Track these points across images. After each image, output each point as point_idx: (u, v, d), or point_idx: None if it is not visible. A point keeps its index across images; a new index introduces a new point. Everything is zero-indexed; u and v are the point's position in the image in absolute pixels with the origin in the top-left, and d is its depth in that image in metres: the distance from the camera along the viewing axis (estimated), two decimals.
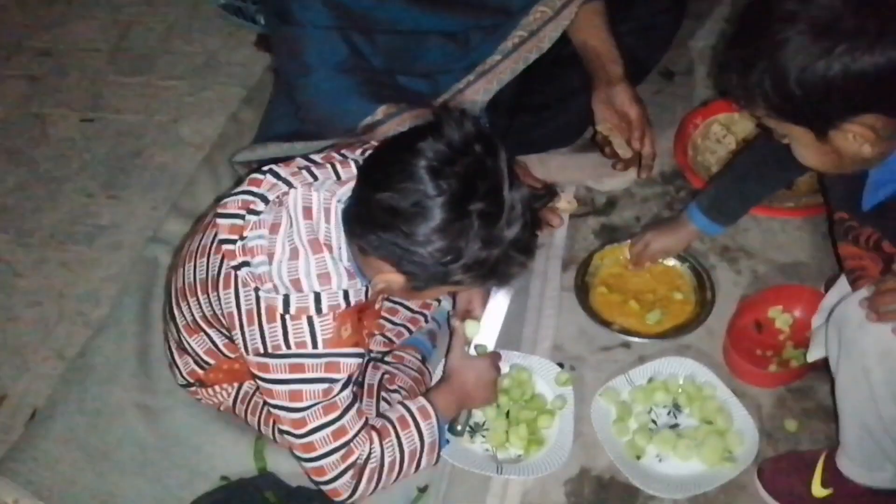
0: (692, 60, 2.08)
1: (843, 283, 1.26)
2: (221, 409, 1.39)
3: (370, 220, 1.04)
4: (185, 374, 1.34)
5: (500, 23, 1.66)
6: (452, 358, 1.32)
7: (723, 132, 1.84)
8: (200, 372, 1.32)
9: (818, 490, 1.26)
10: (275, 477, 1.33)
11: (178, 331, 1.30)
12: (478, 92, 1.64)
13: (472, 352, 1.36)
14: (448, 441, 1.32)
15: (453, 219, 0.98)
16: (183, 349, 1.32)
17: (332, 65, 1.49)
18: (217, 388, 1.35)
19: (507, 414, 1.40)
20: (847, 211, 1.24)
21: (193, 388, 1.37)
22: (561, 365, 1.47)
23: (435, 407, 1.24)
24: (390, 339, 1.43)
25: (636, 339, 1.52)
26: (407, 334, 1.45)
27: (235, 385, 1.34)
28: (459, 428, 1.34)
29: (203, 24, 2.35)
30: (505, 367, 1.43)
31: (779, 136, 1.11)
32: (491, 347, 1.39)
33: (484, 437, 1.38)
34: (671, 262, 1.62)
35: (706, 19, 2.19)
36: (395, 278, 1.06)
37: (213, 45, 2.28)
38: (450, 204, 0.98)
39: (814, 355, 1.24)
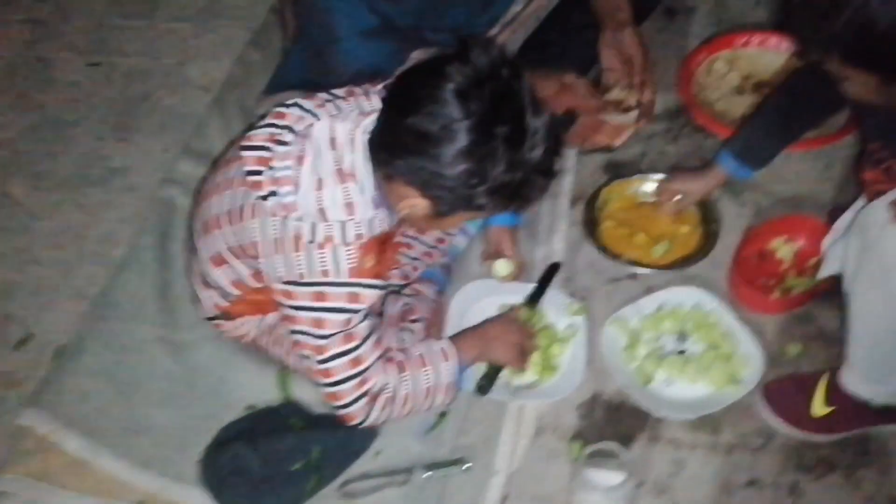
0: None
1: (857, 207, 1.30)
2: (244, 341, 1.44)
3: (398, 145, 1.06)
4: (209, 307, 1.39)
5: None
6: (495, 322, 1.39)
7: (726, 68, 1.87)
8: (225, 304, 1.36)
9: (820, 408, 1.32)
10: (298, 405, 1.39)
11: (202, 264, 1.34)
12: (505, 42, 1.65)
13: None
14: (467, 387, 1.37)
15: (479, 141, 1.01)
16: (207, 283, 1.36)
17: (360, 31, 1.50)
18: (241, 320, 1.39)
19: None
20: (881, 139, 1.28)
21: (217, 322, 1.42)
22: (572, 296, 1.52)
23: (457, 350, 1.30)
24: (407, 274, 1.48)
25: (644, 270, 1.57)
26: (423, 268, 1.50)
27: (259, 317, 1.39)
28: (484, 384, 1.38)
29: None
30: (518, 298, 1.48)
31: (835, 78, 1.13)
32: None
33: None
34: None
35: None
36: (420, 203, 1.09)
37: None
38: (476, 127, 1.00)
39: (825, 272, 1.28)
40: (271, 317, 1.38)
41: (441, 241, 1.52)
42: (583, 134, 1.71)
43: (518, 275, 1.51)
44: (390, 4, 1.56)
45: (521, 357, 1.38)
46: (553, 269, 1.55)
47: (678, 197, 1.60)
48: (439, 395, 1.28)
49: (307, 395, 1.39)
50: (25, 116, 1.97)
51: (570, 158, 1.74)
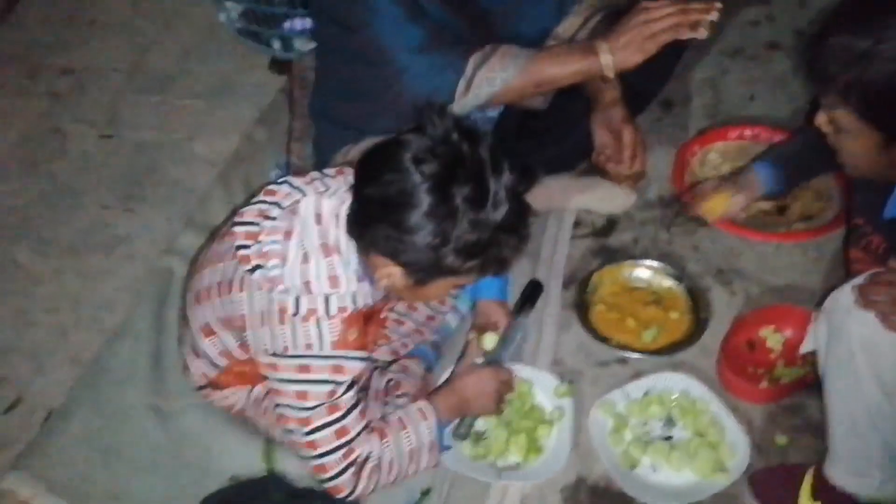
0: (691, 91, 2.16)
1: None
2: (233, 412, 1.44)
3: (365, 216, 1.11)
4: (198, 376, 1.40)
5: None
6: (460, 366, 1.38)
7: (719, 160, 1.91)
8: (213, 374, 1.37)
9: (807, 501, 1.31)
10: (282, 478, 1.38)
11: (192, 334, 1.36)
12: (567, 30, 1.73)
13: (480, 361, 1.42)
14: (450, 446, 1.38)
15: (439, 203, 1.05)
16: (197, 352, 1.37)
17: (413, 48, 1.51)
18: (229, 390, 1.40)
19: (508, 424, 1.45)
20: (867, 217, 1.30)
21: (206, 391, 1.43)
22: (560, 378, 1.52)
23: (435, 409, 1.30)
24: (396, 350, 1.49)
25: (633, 355, 1.57)
26: (412, 345, 1.51)
27: (247, 388, 1.40)
28: (463, 431, 1.39)
29: (218, 46, 2.43)
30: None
31: (834, 131, 1.17)
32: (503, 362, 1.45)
33: (485, 445, 1.43)
34: (667, 283, 1.69)
35: (705, 52, 2.27)
36: (395, 272, 1.12)
37: (227, 67, 2.36)
38: (434, 189, 1.05)
39: (805, 347, 1.29)
40: (259, 388, 1.39)
41: (431, 318, 1.54)
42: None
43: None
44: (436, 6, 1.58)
45: (499, 405, 1.39)
46: (534, 290, 1.56)
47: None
48: (423, 456, 1.28)
49: (292, 468, 1.39)
50: (37, 184, 2.03)
51: (563, 243, 1.77)
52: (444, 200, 1.05)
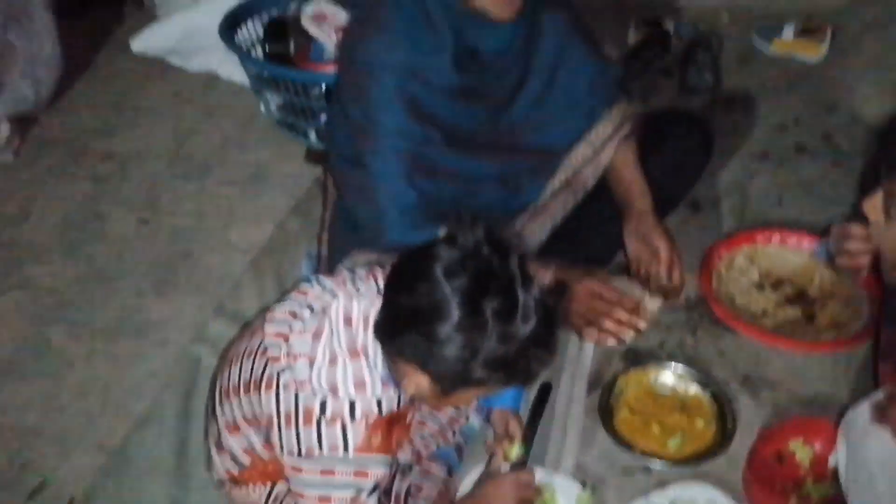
0: (718, 193, 2.18)
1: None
2: None
3: (394, 324, 1.12)
4: (221, 471, 1.40)
5: (546, 163, 1.77)
6: (484, 475, 1.38)
7: (746, 264, 1.92)
8: (235, 471, 1.38)
9: None
10: None
11: (218, 429, 1.37)
12: (534, 231, 1.75)
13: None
14: None
15: (469, 316, 1.06)
16: (221, 447, 1.38)
17: (402, 207, 1.58)
18: (250, 487, 1.40)
19: None
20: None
21: (227, 487, 1.43)
22: (583, 484, 1.51)
23: None
24: (418, 451, 1.49)
25: (657, 464, 1.55)
26: (434, 447, 1.50)
27: (268, 485, 1.39)
28: None
29: (257, 135, 2.51)
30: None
31: (886, 218, 1.21)
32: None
33: None
34: (693, 389, 1.67)
35: (733, 155, 2.31)
36: (422, 380, 1.13)
37: (265, 156, 2.43)
38: (464, 302, 1.06)
39: (832, 462, 1.27)
40: (280, 486, 1.38)
41: (455, 420, 1.53)
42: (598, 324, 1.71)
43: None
44: (430, 182, 1.64)
45: None
46: (545, 392, 1.55)
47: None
48: None
49: None
50: (75, 267, 2.08)
51: (588, 346, 1.77)
52: (475, 313, 1.07)
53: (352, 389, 1.15)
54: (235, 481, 1.40)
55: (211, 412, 1.42)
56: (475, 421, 1.58)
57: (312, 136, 2.39)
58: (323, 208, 2.03)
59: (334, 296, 1.20)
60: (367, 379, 1.15)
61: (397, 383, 1.18)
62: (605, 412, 1.64)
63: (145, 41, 2.77)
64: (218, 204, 2.26)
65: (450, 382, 1.13)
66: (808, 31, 2.73)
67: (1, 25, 2.48)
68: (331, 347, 1.16)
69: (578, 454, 1.57)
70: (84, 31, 2.93)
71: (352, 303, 1.18)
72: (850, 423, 1.16)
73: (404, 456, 1.46)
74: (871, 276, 1.73)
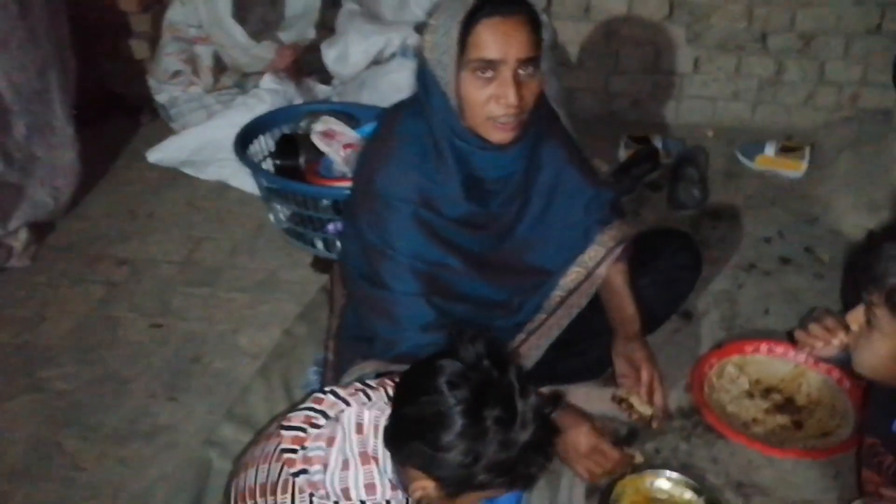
0: (709, 303, 2.29)
1: None
2: None
3: (401, 432, 1.21)
4: None
5: (541, 283, 1.87)
6: None
7: (736, 373, 2.00)
8: None
9: None
10: None
11: None
12: (531, 349, 1.83)
13: None
14: None
15: (471, 425, 1.15)
16: None
17: (421, 325, 1.65)
18: None
19: None
20: (878, 435, 1.38)
21: None
22: None
23: None
24: None
25: None
26: None
27: None
28: None
29: (266, 243, 2.62)
30: None
31: (867, 328, 1.35)
32: None
33: None
34: (688, 495, 1.73)
35: (722, 266, 2.43)
36: (428, 484, 1.20)
37: (273, 263, 2.53)
38: (466, 412, 1.15)
39: None
40: None
41: None
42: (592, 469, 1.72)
43: None
44: (444, 303, 1.72)
45: None
46: None
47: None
48: None
49: None
50: (88, 371, 2.14)
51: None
52: (476, 422, 1.15)
53: (363, 492, 1.21)
54: None
55: None
56: None
57: (319, 244, 2.50)
58: (329, 314, 2.12)
59: (347, 404, 1.28)
60: (378, 482, 1.22)
61: (405, 487, 1.25)
62: None
63: (161, 153, 2.91)
64: (227, 309, 2.35)
65: (454, 486, 1.20)
66: (788, 148, 2.89)
67: (25, 137, 2.62)
68: (343, 453, 1.23)
69: None
70: (101, 140, 3.07)
71: (363, 411, 1.26)
72: None
73: None
74: (855, 384, 1.82)
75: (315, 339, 2.15)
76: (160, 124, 3.22)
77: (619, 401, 1.82)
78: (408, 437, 1.20)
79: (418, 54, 1.68)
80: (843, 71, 3.03)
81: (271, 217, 2.62)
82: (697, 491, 1.73)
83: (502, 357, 1.21)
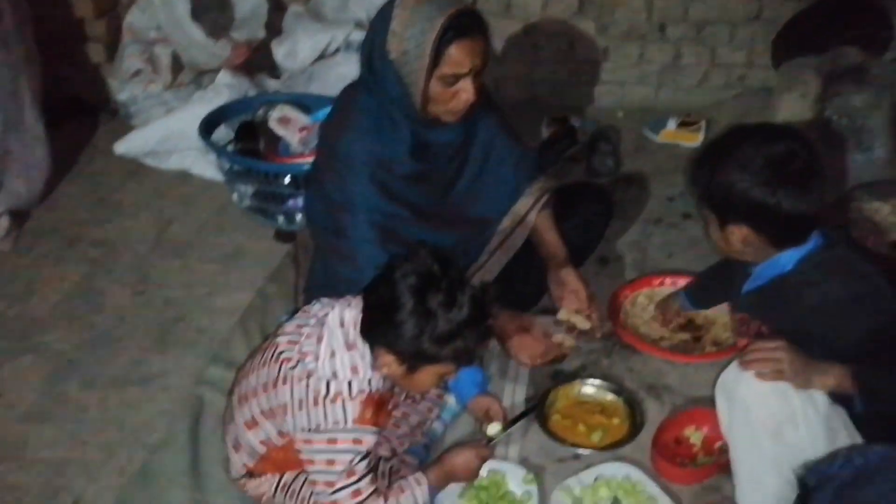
0: (622, 251, 2.67)
1: None
2: (264, 500, 1.77)
3: (369, 319, 1.55)
4: (238, 466, 1.74)
5: (482, 231, 2.22)
6: (452, 449, 1.78)
7: (646, 302, 2.38)
8: (251, 463, 1.72)
9: None
10: None
11: (236, 430, 1.71)
12: (522, 209, 2.21)
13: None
14: None
15: (418, 304, 1.48)
16: (238, 446, 1.72)
17: (377, 267, 1.83)
18: (263, 478, 1.74)
19: None
20: (737, 305, 1.90)
21: (242, 481, 1.76)
22: (527, 470, 1.89)
23: (427, 477, 1.67)
24: (394, 448, 1.85)
25: (584, 451, 1.95)
26: (407, 445, 1.87)
27: (277, 475, 1.74)
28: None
29: (230, 221, 2.90)
30: (484, 471, 1.84)
31: (704, 219, 1.79)
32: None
33: None
34: (610, 396, 2.09)
35: (632, 221, 2.82)
36: (390, 359, 1.53)
37: (239, 238, 2.81)
38: (415, 295, 1.48)
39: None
40: (287, 475, 1.73)
41: (422, 423, 1.91)
42: (532, 355, 2.14)
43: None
44: (396, 247, 1.98)
45: (475, 475, 1.77)
46: (533, 407, 2.00)
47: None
48: None
49: None
50: (80, 333, 2.39)
51: (525, 371, 2.18)
52: (423, 303, 1.49)
53: (349, 373, 1.54)
54: (251, 474, 1.74)
55: (229, 419, 1.76)
56: (438, 427, 1.96)
57: (281, 219, 2.79)
58: (296, 275, 2.42)
59: (332, 308, 1.60)
60: (360, 365, 1.54)
61: (378, 368, 1.57)
62: (541, 417, 2.03)
63: (127, 144, 3.16)
64: (202, 277, 2.62)
65: (410, 359, 1.53)
66: (687, 123, 3.31)
67: (1, 133, 2.85)
68: (330, 345, 1.56)
69: (521, 450, 1.96)
70: (65, 139, 3.28)
71: (344, 310, 1.59)
72: (723, 382, 1.62)
73: (384, 451, 1.82)
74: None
75: (285, 297, 2.44)
76: (119, 123, 3.44)
77: (560, 323, 2.17)
78: (373, 322, 1.53)
79: (369, 50, 1.99)
80: (730, 55, 3.47)
81: (234, 197, 2.89)
82: (617, 393, 2.10)
83: (443, 257, 1.54)
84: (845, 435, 1.56)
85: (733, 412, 1.59)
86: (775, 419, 1.53)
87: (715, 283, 2.08)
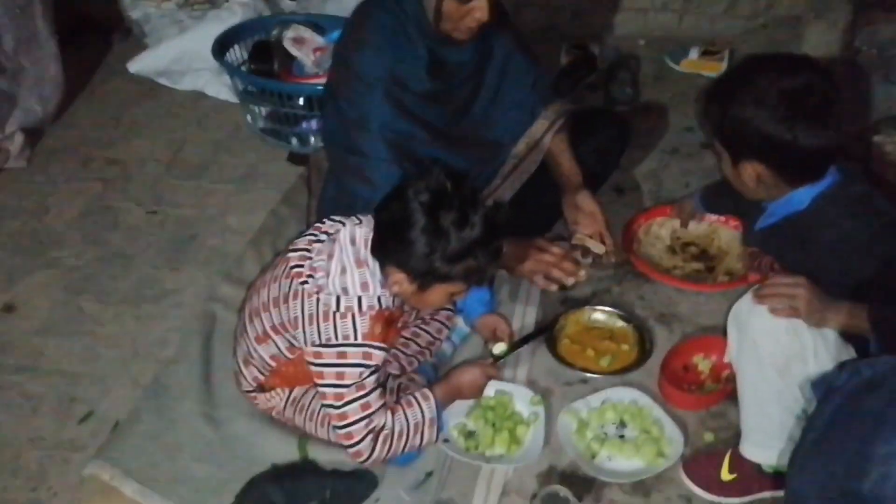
0: (637, 180, 2.64)
1: None
2: (273, 413, 1.80)
3: (380, 236, 1.54)
4: (249, 380, 1.76)
5: (496, 154, 2.20)
6: (459, 367, 1.80)
7: (660, 231, 2.36)
8: (262, 378, 1.74)
9: (726, 475, 1.68)
10: (314, 463, 1.73)
11: (247, 344, 1.73)
12: (537, 132, 2.20)
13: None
14: (448, 439, 1.75)
15: (430, 222, 1.47)
16: (249, 360, 1.74)
17: (393, 182, 1.87)
18: (272, 392, 1.77)
19: (494, 424, 1.81)
20: (753, 241, 1.86)
21: (253, 394, 1.79)
22: (535, 392, 1.90)
23: (434, 393, 1.69)
24: (403, 367, 1.86)
25: (592, 376, 1.96)
26: (416, 364, 1.89)
27: (287, 390, 1.76)
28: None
29: (244, 142, 2.89)
30: (492, 391, 1.86)
31: (717, 154, 1.75)
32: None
33: (475, 439, 1.79)
34: (620, 323, 2.09)
35: (650, 151, 2.78)
36: (401, 277, 1.53)
37: (252, 158, 2.80)
38: (427, 212, 1.47)
39: (727, 357, 1.73)
40: (297, 390, 1.75)
41: (432, 343, 1.92)
42: (546, 273, 2.13)
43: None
44: (412, 167, 1.99)
45: (481, 392, 1.79)
46: (541, 330, 2.02)
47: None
48: (425, 429, 1.65)
49: (321, 456, 1.74)
50: (94, 250, 2.41)
51: (536, 295, 2.18)
52: (435, 221, 1.47)
53: (359, 289, 1.54)
54: (262, 388, 1.76)
55: (240, 333, 1.78)
56: (447, 348, 1.97)
57: (294, 141, 2.78)
58: (309, 197, 2.41)
59: (343, 225, 1.60)
60: (370, 282, 1.54)
61: (389, 286, 1.57)
62: (550, 342, 2.04)
63: (141, 63, 3.13)
64: (215, 197, 2.62)
65: (421, 277, 1.52)
66: (710, 52, 3.24)
67: (13, 49, 2.83)
68: (341, 262, 1.55)
69: (530, 373, 1.97)
70: (78, 58, 3.26)
71: (355, 228, 1.58)
72: (736, 312, 1.61)
73: (393, 370, 1.84)
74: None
75: (297, 218, 2.44)
76: (132, 42, 3.42)
77: (575, 246, 2.16)
78: (385, 239, 1.52)
79: None
80: None
81: (248, 118, 2.88)
82: (627, 320, 2.10)
83: (457, 176, 1.53)
84: None
85: (743, 343, 1.58)
86: (784, 355, 1.52)
87: (728, 191, 2.04)
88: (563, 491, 1.63)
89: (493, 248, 1.54)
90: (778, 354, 1.52)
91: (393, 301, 1.59)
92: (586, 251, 2.16)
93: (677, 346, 2.01)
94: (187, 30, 3.13)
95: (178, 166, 2.79)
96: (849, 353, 1.56)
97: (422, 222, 1.47)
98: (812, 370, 1.51)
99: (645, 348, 2.03)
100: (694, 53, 3.25)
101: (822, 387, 1.26)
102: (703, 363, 1.97)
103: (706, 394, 1.89)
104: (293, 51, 2.77)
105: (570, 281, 2.13)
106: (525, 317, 2.11)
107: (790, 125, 1.57)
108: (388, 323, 1.59)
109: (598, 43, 3.36)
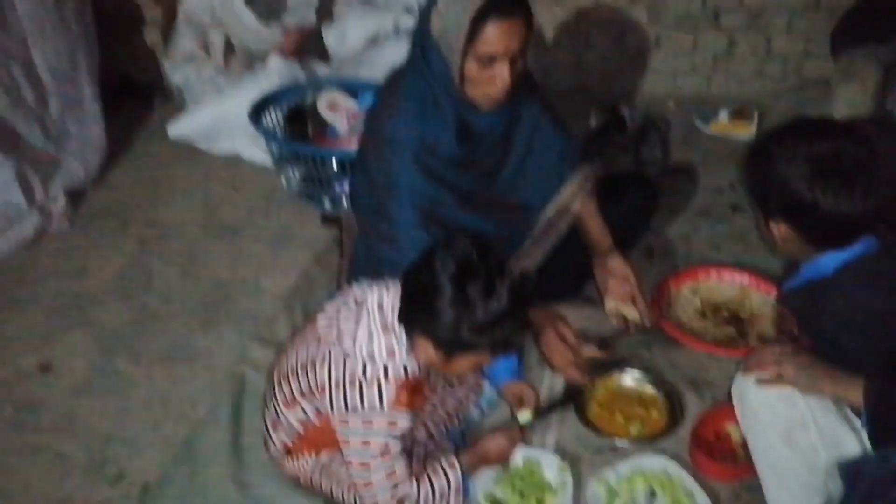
0: (668, 242, 2.64)
1: None
2: (301, 480, 1.80)
3: (407, 305, 1.55)
4: (278, 444, 1.77)
5: (525, 218, 2.22)
6: (486, 434, 1.79)
7: (691, 295, 2.35)
8: (290, 442, 1.75)
9: None
10: None
11: (276, 408, 1.74)
12: (567, 198, 2.20)
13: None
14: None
15: (457, 293, 1.47)
16: (277, 424, 1.76)
17: (421, 248, 1.82)
18: (300, 456, 1.77)
19: (522, 493, 1.79)
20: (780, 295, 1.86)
21: (281, 460, 1.79)
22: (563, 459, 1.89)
23: (460, 461, 1.69)
24: (431, 432, 1.86)
25: (622, 442, 1.94)
26: (444, 430, 1.89)
27: (314, 456, 1.76)
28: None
29: (278, 205, 2.94)
30: (519, 458, 1.85)
31: (755, 212, 1.78)
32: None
33: None
34: (649, 389, 2.07)
35: (679, 213, 2.79)
36: (428, 347, 1.53)
37: (286, 220, 2.86)
38: (454, 283, 1.47)
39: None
40: (324, 456, 1.76)
41: (459, 409, 1.92)
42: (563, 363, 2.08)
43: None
44: (439, 231, 2.01)
45: (507, 460, 1.79)
46: (568, 398, 2.00)
47: None
48: (452, 497, 1.65)
49: None
50: (130, 310, 2.46)
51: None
52: (462, 291, 1.48)
53: (385, 356, 1.55)
54: (289, 452, 1.77)
55: (269, 397, 1.80)
56: (475, 413, 1.97)
57: (327, 203, 2.83)
58: (340, 259, 2.45)
59: (371, 291, 1.62)
60: (396, 349, 1.55)
61: (415, 354, 1.58)
62: (579, 407, 2.03)
63: (180, 127, 3.23)
64: (249, 259, 2.67)
65: (448, 346, 1.53)
66: (739, 114, 3.25)
67: (59, 114, 2.93)
68: (368, 328, 1.57)
69: (558, 438, 1.96)
70: (119, 120, 3.36)
71: (383, 295, 1.60)
72: (736, 384, 1.61)
73: (421, 436, 1.83)
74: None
75: (329, 279, 2.48)
76: (172, 106, 3.53)
77: (613, 315, 2.16)
78: (412, 308, 1.54)
79: (420, 28, 2.00)
80: (787, 44, 3.40)
81: (283, 182, 2.94)
82: (657, 385, 2.08)
83: (484, 246, 1.54)
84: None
85: (745, 415, 1.58)
86: (784, 424, 1.51)
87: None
88: None
89: (520, 318, 1.55)
90: (778, 424, 1.53)
91: (419, 368, 1.60)
92: (621, 317, 2.16)
93: (708, 413, 1.98)
94: (225, 94, 3.22)
95: (214, 228, 2.85)
96: (852, 416, 1.54)
97: (449, 293, 1.48)
98: (815, 437, 1.51)
99: (675, 415, 2.00)
100: (724, 115, 3.27)
101: (849, 472, 1.24)
102: (735, 431, 1.93)
103: (739, 464, 1.86)
104: (327, 116, 2.83)
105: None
106: (553, 383, 2.10)
107: (811, 187, 1.58)
108: (415, 390, 1.60)
109: (628, 105, 3.38)
